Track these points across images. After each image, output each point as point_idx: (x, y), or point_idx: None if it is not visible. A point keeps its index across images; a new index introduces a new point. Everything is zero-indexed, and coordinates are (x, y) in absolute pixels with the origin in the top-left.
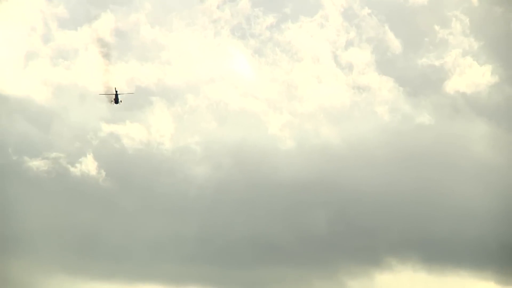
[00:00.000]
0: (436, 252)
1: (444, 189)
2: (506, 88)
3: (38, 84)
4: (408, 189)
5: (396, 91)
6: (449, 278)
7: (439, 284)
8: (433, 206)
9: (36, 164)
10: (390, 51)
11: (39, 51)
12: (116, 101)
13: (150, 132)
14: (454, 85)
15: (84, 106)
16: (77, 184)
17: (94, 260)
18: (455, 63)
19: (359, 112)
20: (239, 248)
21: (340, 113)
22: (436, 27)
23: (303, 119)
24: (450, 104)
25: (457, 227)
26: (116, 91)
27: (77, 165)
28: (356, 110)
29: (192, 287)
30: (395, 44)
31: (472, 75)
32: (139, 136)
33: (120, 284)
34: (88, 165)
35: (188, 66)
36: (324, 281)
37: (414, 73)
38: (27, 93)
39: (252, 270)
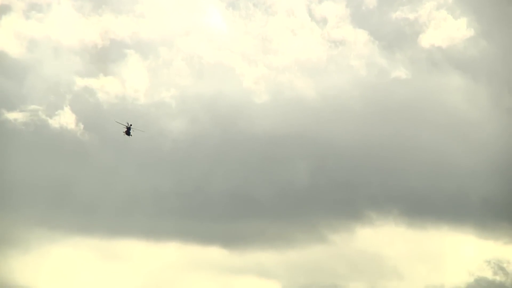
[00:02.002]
0: (417, 206)
1: (422, 143)
2: (481, 41)
3: (11, 38)
4: (387, 143)
5: (371, 45)
6: (430, 232)
7: (420, 238)
8: (412, 160)
9: (14, 116)
10: (364, 4)
11: (12, 4)
12: (128, 133)
13: (125, 86)
14: (429, 38)
15: (58, 59)
16: (56, 137)
17: (72, 214)
18: (429, 16)
19: (335, 66)
20: (218, 202)
21: (315, 67)
22: None
23: (278, 73)
24: (425, 58)
25: (437, 181)
26: (130, 125)
27: (56, 117)
28: (331, 64)
29: (172, 241)
30: None
31: (447, 29)
32: (114, 90)
33: (99, 238)
34: (67, 118)
35: (163, 19)
36: (304, 235)
37: (389, 26)
38: (0, 46)
39: (231, 224)
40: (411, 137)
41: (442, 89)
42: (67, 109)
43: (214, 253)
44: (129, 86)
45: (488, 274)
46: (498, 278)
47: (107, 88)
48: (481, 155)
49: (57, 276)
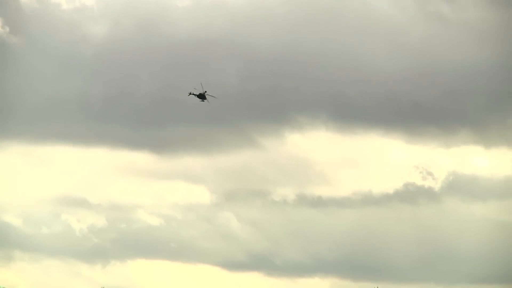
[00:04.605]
0: (346, 111)
1: (350, 48)
2: None
3: None
4: (315, 49)
5: None
6: (359, 137)
7: (349, 143)
8: (340, 65)
9: None
10: None
11: None
12: (202, 97)
13: None
14: None
15: None
16: None
17: None
18: None
19: None
20: (145, 107)
21: None
22: None
23: None
24: None
25: (366, 86)
26: (205, 92)
27: None
28: None
29: (100, 146)
30: None
31: None
32: None
33: (26, 143)
34: None
35: None
36: (233, 139)
37: None
38: None
39: (160, 129)
40: (339, 43)
41: None
42: None
43: (143, 158)
44: None
45: (417, 180)
46: (427, 183)
47: None
48: (409, 60)
49: None
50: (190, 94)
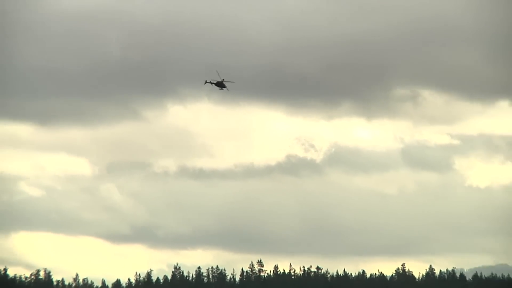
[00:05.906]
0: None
1: (234, 21)
2: None
3: None
4: (199, 20)
5: None
6: (242, 108)
7: (231, 115)
8: (224, 37)
9: None
10: None
11: None
12: (220, 85)
13: None
14: None
15: None
16: None
17: None
18: None
19: None
20: (28, 79)
21: None
22: None
23: None
24: None
25: (249, 58)
26: (223, 80)
27: None
28: None
29: None
30: None
31: None
32: None
33: None
34: None
35: None
36: (116, 112)
37: None
38: None
39: (43, 101)
40: (223, 14)
41: None
42: None
43: (24, 129)
44: None
45: (299, 151)
46: (309, 155)
47: None
48: (292, 33)
49: None
50: (207, 82)
